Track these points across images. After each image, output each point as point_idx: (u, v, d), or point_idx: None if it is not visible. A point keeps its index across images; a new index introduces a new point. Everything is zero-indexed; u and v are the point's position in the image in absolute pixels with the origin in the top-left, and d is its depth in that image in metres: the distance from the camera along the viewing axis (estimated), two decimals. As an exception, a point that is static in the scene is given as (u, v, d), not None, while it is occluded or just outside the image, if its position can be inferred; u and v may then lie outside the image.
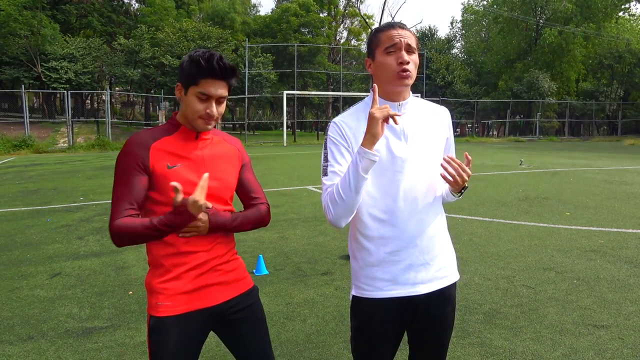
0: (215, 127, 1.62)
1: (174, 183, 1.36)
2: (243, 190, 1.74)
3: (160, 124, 1.55)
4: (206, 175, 1.42)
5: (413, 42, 1.52)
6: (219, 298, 1.61)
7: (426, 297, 1.57)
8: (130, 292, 3.86)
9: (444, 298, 1.61)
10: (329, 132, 1.59)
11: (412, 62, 1.51)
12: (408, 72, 1.50)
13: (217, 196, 1.59)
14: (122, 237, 1.43)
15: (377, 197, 1.53)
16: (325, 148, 1.58)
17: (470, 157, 1.53)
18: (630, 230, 5.82)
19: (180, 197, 1.37)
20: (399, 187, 1.52)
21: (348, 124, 1.57)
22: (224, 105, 1.55)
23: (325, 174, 1.55)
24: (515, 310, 3.45)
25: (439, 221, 1.61)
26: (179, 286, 1.52)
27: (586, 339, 2.99)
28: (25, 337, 3.07)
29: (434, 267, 1.57)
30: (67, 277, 4.25)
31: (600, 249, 5.03)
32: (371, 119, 1.39)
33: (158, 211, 1.50)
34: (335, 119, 1.60)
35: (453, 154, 1.67)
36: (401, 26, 1.54)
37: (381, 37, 1.53)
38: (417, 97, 1.70)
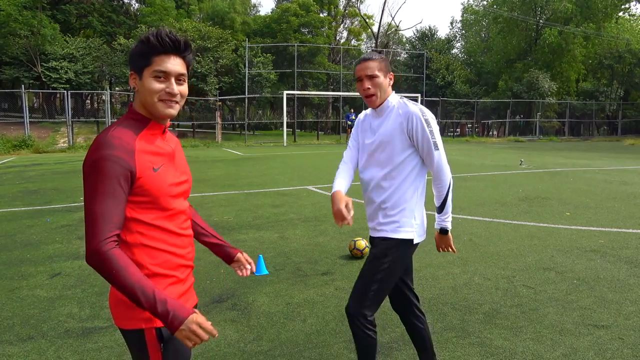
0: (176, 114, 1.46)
1: None
2: None
3: (121, 119, 1.39)
4: None
5: (374, 70, 2.09)
6: (194, 297, 1.59)
7: (375, 240, 2.25)
8: (130, 292, 3.85)
9: (375, 243, 2.24)
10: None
11: (373, 86, 2.10)
12: (369, 97, 2.13)
13: (187, 193, 1.53)
14: (102, 267, 1.23)
15: (360, 167, 2.30)
16: None
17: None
18: (630, 230, 5.82)
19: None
20: (366, 162, 2.23)
21: (364, 115, 2.34)
22: (185, 87, 1.41)
23: None
24: (515, 310, 3.45)
25: (390, 191, 2.15)
26: (180, 288, 1.47)
27: (586, 339, 2.99)
28: (25, 337, 3.08)
29: (375, 222, 2.23)
30: (67, 277, 4.25)
31: (600, 249, 5.03)
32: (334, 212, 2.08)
33: (137, 216, 1.35)
34: (365, 111, 2.33)
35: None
36: (365, 59, 2.11)
37: (355, 70, 2.16)
38: (402, 99, 2.19)
